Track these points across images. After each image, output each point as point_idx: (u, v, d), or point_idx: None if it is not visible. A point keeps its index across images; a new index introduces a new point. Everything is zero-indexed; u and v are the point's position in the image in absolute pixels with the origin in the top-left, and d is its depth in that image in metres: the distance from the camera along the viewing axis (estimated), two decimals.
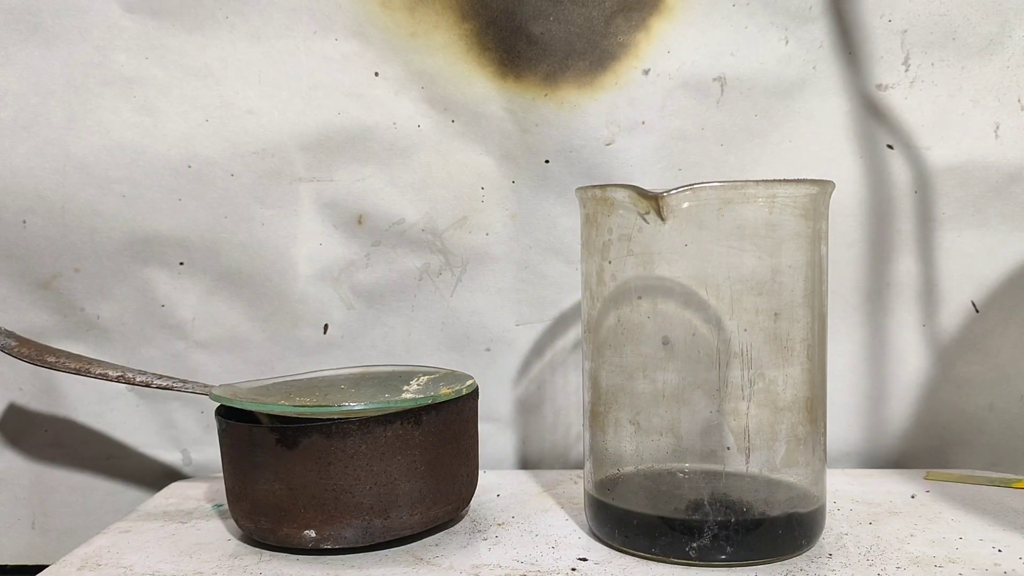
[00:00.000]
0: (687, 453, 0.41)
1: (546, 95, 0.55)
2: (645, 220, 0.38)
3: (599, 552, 0.41)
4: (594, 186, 0.41)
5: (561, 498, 0.50)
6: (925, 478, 0.52)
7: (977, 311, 0.56)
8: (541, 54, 0.54)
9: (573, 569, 0.39)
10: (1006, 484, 0.50)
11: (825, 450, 0.42)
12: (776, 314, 0.39)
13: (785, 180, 0.39)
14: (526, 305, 0.57)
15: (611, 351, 0.41)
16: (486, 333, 0.58)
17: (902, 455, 0.58)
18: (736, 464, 0.40)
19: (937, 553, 0.40)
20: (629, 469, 0.42)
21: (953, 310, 0.56)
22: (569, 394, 0.58)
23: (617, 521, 0.41)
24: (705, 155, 0.55)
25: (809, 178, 0.40)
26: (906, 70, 0.54)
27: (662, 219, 0.38)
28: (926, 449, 0.57)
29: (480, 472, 0.49)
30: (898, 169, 0.55)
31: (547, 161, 0.56)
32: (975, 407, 0.57)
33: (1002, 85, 0.54)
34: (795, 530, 0.39)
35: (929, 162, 0.55)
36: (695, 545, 0.38)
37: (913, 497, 0.49)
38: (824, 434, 0.42)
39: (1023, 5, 0.53)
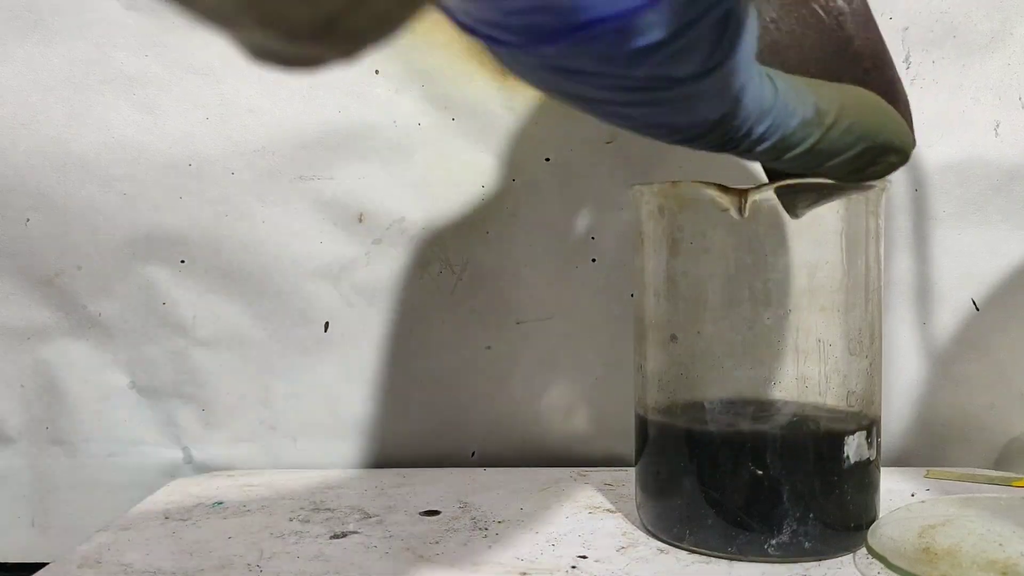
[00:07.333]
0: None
1: None
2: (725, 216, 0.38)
3: (599, 551, 0.41)
4: (665, 183, 0.41)
5: (562, 496, 0.50)
6: (926, 476, 0.52)
7: (977, 309, 0.56)
8: None
9: (573, 567, 0.39)
10: (1006, 483, 0.50)
11: None
12: (847, 310, 0.40)
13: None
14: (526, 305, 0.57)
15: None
16: (487, 332, 0.58)
17: (902, 453, 0.58)
18: None
19: None
20: None
21: (953, 308, 0.56)
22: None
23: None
24: (706, 153, 0.55)
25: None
26: (907, 68, 0.54)
27: (742, 215, 0.38)
28: (926, 447, 0.57)
29: (480, 469, 0.49)
30: None
31: (548, 159, 0.56)
32: (975, 406, 0.57)
33: (1003, 83, 0.54)
34: None
35: (929, 160, 0.55)
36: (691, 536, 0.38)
37: (913, 495, 0.49)
38: None
39: None
